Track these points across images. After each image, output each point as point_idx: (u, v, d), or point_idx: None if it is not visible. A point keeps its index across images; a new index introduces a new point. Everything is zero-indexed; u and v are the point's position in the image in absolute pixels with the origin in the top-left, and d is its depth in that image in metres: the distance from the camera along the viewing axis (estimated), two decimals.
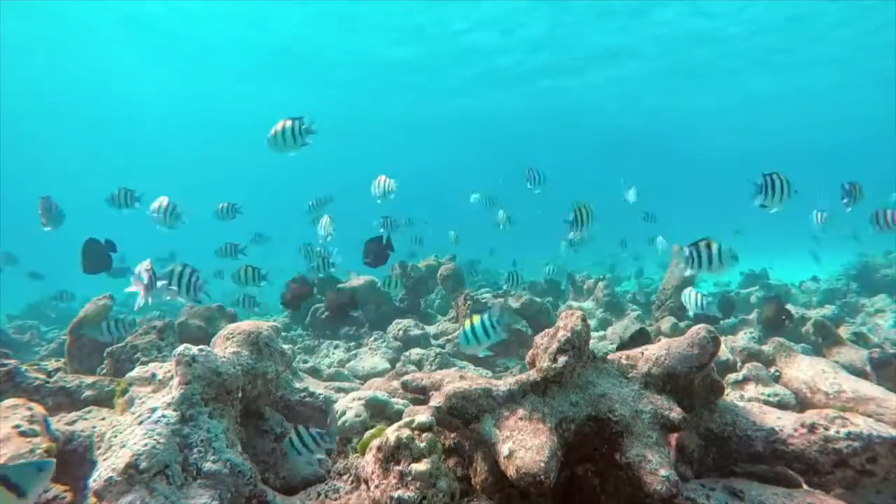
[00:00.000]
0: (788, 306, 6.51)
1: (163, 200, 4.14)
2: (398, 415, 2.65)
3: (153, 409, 2.04)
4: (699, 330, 2.16)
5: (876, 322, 6.34)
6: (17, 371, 3.08)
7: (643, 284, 10.26)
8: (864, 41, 17.38)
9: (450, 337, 5.85)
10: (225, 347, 2.62)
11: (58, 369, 3.67)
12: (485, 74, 21.39)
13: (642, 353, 2.20)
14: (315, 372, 4.64)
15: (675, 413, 1.96)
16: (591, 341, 2.22)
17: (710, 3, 15.43)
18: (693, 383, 2.21)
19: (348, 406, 2.69)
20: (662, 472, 1.72)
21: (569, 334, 2.04)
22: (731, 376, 3.58)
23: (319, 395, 3.30)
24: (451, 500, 1.74)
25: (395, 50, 19.19)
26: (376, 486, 1.76)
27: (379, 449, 1.80)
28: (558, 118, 25.93)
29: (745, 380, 3.52)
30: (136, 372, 2.80)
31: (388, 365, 5.03)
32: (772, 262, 9.64)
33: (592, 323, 6.42)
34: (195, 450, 1.99)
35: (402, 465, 1.73)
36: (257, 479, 2.09)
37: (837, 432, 2.08)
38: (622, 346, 4.21)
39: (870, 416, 2.65)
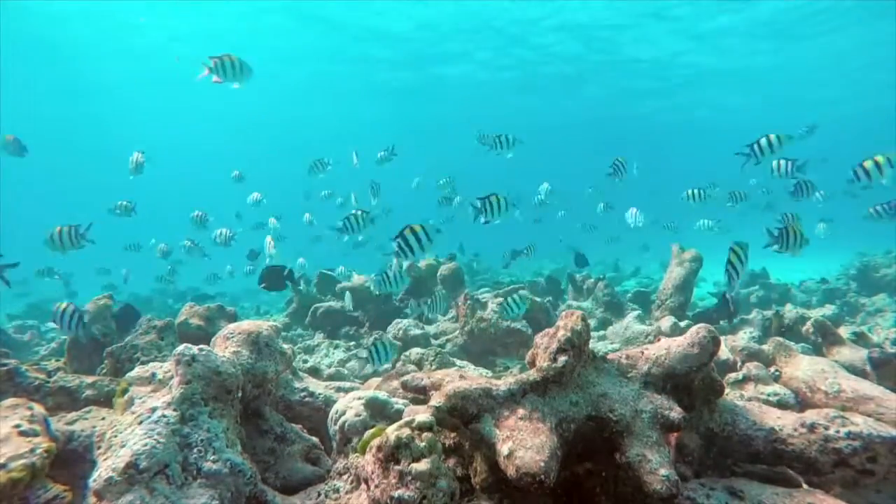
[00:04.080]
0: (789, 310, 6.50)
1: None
2: (398, 414, 2.65)
3: (153, 409, 2.04)
4: (699, 330, 2.16)
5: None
6: (17, 371, 3.08)
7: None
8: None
9: (450, 337, 5.85)
10: (225, 347, 2.62)
11: (58, 369, 3.66)
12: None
13: (642, 353, 2.20)
14: (315, 372, 4.64)
15: (675, 413, 1.96)
16: (591, 341, 2.22)
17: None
18: (693, 383, 2.21)
19: (348, 405, 2.69)
20: (662, 471, 1.73)
21: (569, 334, 2.04)
22: (731, 376, 3.58)
23: (319, 394, 3.30)
24: (451, 499, 1.74)
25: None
26: (376, 486, 1.76)
27: (379, 448, 1.80)
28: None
29: (745, 379, 3.52)
30: (136, 372, 2.80)
31: (388, 364, 5.03)
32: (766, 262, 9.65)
33: (592, 323, 6.42)
34: (195, 449, 1.99)
35: (402, 464, 1.73)
36: (257, 478, 2.10)
37: (837, 432, 2.08)
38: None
39: (870, 415, 2.66)
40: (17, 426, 2.19)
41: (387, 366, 4.08)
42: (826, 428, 2.10)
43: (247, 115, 28.56)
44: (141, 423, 1.99)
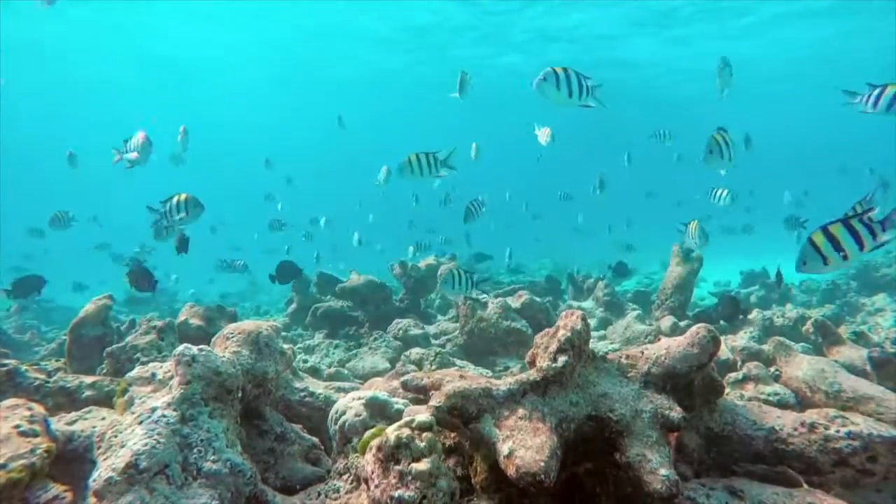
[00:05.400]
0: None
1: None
2: (398, 414, 2.65)
3: (153, 409, 2.04)
4: (699, 329, 2.16)
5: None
6: (16, 371, 3.08)
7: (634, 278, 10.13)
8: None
9: (450, 337, 5.85)
10: (225, 347, 2.62)
11: (58, 369, 3.66)
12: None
13: (642, 353, 2.20)
14: (315, 371, 4.64)
15: (676, 412, 1.96)
16: (591, 341, 2.23)
17: None
18: (693, 383, 2.21)
19: (348, 405, 2.69)
20: (662, 471, 1.72)
21: (569, 334, 2.04)
22: (731, 376, 3.58)
23: (319, 394, 3.30)
24: (451, 499, 1.74)
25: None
26: (376, 486, 1.76)
27: (379, 448, 1.80)
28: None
29: (745, 379, 3.52)
30: (136, 372, 2.80)
31: (388, 364, 5.03)
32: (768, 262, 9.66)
33: (592, 322, 6.42)
34: (195, 450, 1.99)
35: (402, 464, 1.73)
36: (257, 478, 2.10)
37: (837, 431, 2.08)
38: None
39: (870, 415, 2.65)
40: (17, 426, 2.19)
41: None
42: (826, 428, 2.10)
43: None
44: (141, 423, 1.99)
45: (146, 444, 1.88)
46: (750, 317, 5.72)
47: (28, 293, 5.26)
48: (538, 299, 6.00)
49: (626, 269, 7.56)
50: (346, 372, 4.83)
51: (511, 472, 1.70)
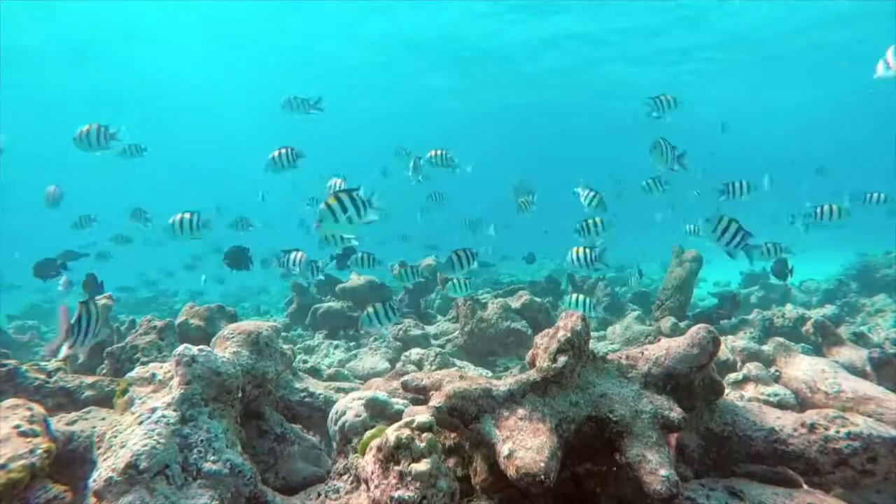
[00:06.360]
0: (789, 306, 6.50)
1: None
2: (398, 415, 2.65)
3: (153, 409, 2.04)
4: (699, 330, 2.16)
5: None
6: (16, 371, 3.08)
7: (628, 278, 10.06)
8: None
9: (450, 337, 5.85)
10: (225, 347, 2.62)
11: (58, 369, 3.66)
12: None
13: (642, 353, 2.20)
14: (315, 372, 4.64)
15: (676, 413, 1.96)
16: (591, 342, 2.23)
17: None
18: (693, 383, 2.21)
19: (348, 406, 2.69)
20: (662, 471, 1.72)
21: (569, 334, 2.04)
22: (731, 376, 3.58)
23: (319, 395, 3.30)
24: (451, 500, 1.74)
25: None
26: (376, 486, 1.76)
27: (379, 449, 1.80)
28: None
29: (745, 380, 3.52)
30: (136, 372, 2.80)
31: (387, 365, 5.04)
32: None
33: (592, 323, 6.41)
34: (195, 450, 1.99)
35: (402, 465, 1.73)
36: (257, 479, 2.10)
37: (837, 432, 2.08)
38: None
39: (870, 415, 2.66)
40: (17, 426, 2.19)
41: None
42: (826, 428, 2.10)
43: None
44: (141, 423, 1.99)
45: (146, 445, 1.88)
46: (749, 317, 5.72)
47: (68, 263, 6.15)
48: (538, 299, 6.00)
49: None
50: (346, 372, 4.83)
51: (511, 472, 1.70)
